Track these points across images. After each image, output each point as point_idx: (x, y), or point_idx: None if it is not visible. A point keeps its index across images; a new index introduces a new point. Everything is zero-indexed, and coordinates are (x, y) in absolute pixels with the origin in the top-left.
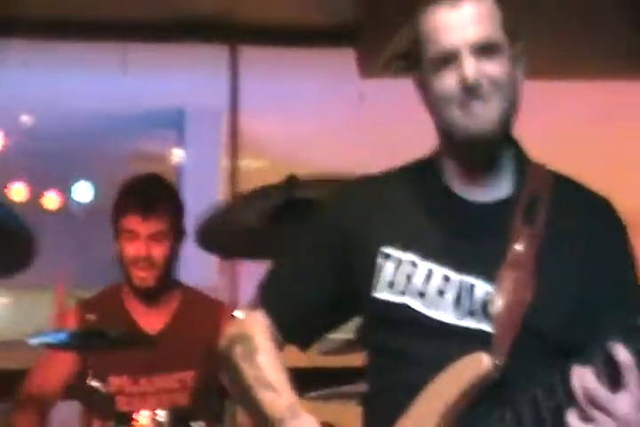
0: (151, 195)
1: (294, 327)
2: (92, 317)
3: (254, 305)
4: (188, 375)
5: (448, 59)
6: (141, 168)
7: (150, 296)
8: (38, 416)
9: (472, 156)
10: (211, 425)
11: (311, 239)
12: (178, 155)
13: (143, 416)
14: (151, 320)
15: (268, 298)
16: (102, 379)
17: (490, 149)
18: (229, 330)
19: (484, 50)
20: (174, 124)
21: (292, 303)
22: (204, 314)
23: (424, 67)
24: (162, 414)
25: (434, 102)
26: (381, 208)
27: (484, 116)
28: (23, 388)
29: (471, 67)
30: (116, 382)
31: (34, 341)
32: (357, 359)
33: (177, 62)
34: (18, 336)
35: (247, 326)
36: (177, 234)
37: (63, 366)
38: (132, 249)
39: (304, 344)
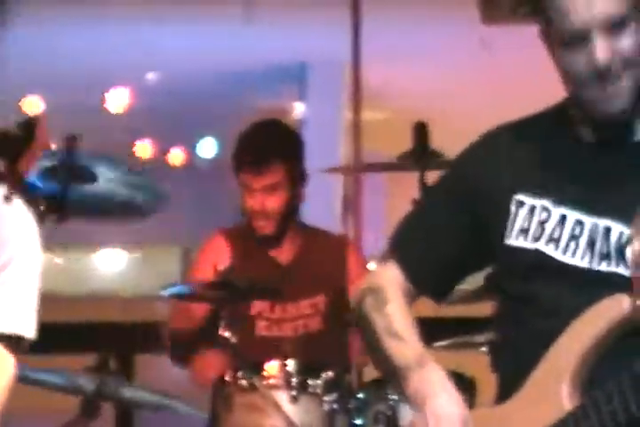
0: (264, 148)
1: (428, 279)
2: (222, 267)
3: (386, 257)
4: (319, 300)
5: (577, 38)
6: None
7: (270, 243)
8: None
9: (604, 125)
10: (339, 376)
11: (443, 190)
12: (300, 109)
13: (272, 366)
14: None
15: (400, 250)
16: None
17: (623, 122)
18: (361, 283)
19: (615, 26)
20: (296, 78)
21: (425, 254)
22: (328, 250)
23: (552, 36)
24: (291, 364)
25: (563, 75)
26: (512, 157)
27: (616, 96)
28: (168, 333)
29: (604, 49)
30: (257, 306)
31: (166, 293)
32: (483, 309)
33: (299, 14)
34: (148, 290)
35: (378, 278)
36: (296, 180)
37: (198, 310)
38: (248, 202)
39: (438, 295)
